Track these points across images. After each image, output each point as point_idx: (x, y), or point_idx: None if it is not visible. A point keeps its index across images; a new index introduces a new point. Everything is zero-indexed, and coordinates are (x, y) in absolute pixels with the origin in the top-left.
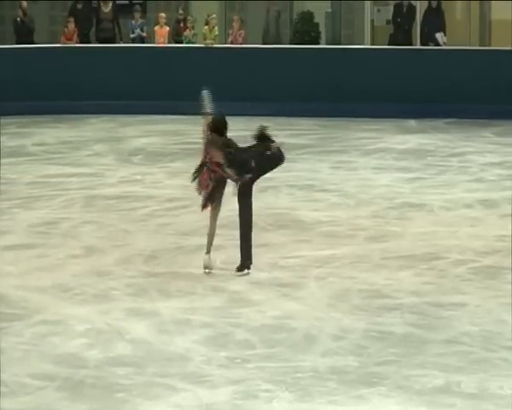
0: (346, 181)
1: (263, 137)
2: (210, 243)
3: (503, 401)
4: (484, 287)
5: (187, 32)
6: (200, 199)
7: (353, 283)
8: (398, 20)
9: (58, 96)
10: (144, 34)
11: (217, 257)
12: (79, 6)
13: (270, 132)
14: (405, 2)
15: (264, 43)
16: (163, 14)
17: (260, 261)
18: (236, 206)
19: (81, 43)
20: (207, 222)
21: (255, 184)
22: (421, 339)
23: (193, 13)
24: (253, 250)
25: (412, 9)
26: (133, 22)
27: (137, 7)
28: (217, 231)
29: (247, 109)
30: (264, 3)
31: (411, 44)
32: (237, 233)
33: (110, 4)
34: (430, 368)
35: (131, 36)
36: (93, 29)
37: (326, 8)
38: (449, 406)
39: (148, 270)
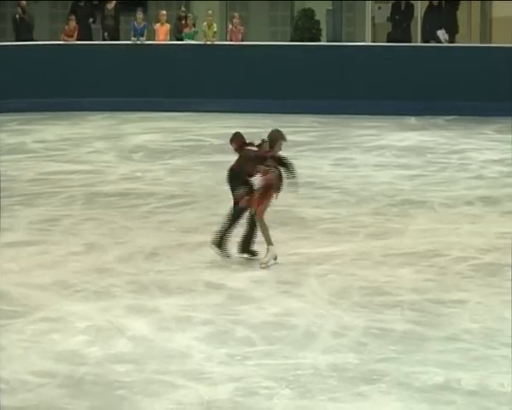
0: (347, 178)
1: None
2: (269, 236)
3: (504, 398)
4: (484, 284)
5: (187, 30)
6: None
7: (354, 280)
8: (397, 17)
9: (58, 93)
10: (144, 39)
11: (217, 255)
12: (81, 3)
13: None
14: (403, 1)
15: None
16: (164, 12)
17: (261, 258)
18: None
19: (82, 40)
20: (208, 219)
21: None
22: (421, 336)
23: (194, 10)
24: (255, 248)
25: (410, 7)
26: (135, 24)
27: (140, 9)
28: (216, 230)
29: (247, 107)
30: (265, 2)
31: (410, 42)
32: (240, 231)
33: (113, 2)
34: (430, 365)
35: (133, 38)
36: (96, 26)
37: (327, 5)
38: (449, 403)
39: (148, 267)
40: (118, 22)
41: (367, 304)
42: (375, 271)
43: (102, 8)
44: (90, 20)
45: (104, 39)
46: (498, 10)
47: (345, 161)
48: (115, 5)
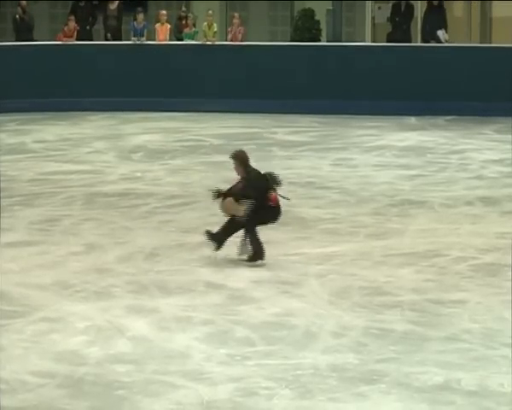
0: (347, 178)
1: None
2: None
3: (504, 398)
4: (484, 284)
5: (187, 30)
6: None
7: (354, 280)
8: (397, 19)
9: (58, 93)
10: (144, 39)
11: (217, 254)
12: (82, 4)
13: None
14: (403, 2)
15: None
16: (164, 12)
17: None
18: None
19: (81, 40)
20: (208, 219)
21: None
22: (421, 336)
23: (194, 10)
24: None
25: (410, 8)
26: (135, 24)
27: (140, 9)
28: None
29: (247, 107)
30: (265, 2)
31: (409, 42)
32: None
33: (116, 2)
34: (430, 365)
35: (133, 38)
36: (97, 26)
37: (327, 5)
38: (449, 403)
39: (148, 267)
40: (120, 23)
41: (367, 304)
42: (375, 271)
43: (105, 9)
44: (87, 27)
45: (107, 40)
46: (498, 10)
47: (345, 161)
48: (118, 5)
